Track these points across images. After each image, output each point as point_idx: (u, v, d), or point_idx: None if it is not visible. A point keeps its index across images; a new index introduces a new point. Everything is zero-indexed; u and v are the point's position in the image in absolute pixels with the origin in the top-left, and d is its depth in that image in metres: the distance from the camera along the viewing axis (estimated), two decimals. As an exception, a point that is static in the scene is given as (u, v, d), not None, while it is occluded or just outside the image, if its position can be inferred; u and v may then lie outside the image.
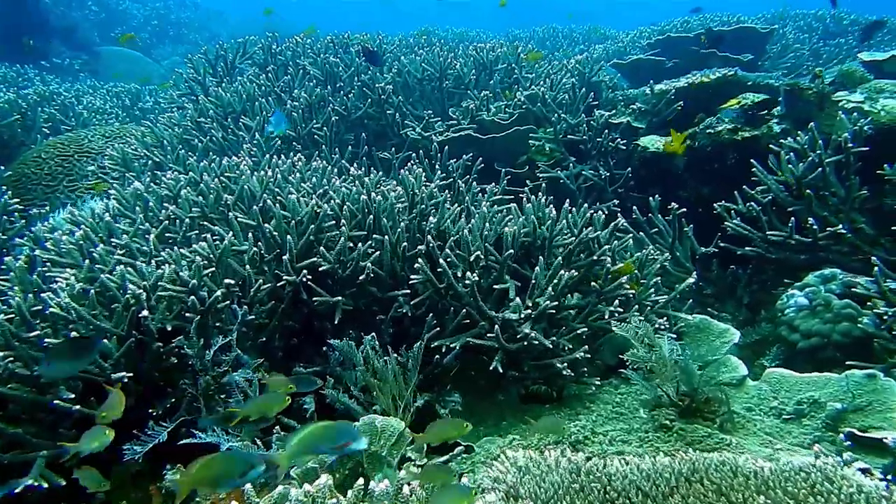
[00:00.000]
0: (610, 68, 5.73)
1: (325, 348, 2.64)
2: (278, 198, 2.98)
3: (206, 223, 2.87)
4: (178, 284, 2.34)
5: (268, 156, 3.46)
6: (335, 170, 3.68)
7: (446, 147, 4.04)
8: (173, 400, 2.29)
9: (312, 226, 2.72)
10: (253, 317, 2.50)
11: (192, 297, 2.31)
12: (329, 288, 2.74)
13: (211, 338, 2.36)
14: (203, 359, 2.31)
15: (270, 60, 5.35)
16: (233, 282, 2.45)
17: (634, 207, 3.51)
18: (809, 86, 3.48)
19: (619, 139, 4.21)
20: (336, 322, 2.61)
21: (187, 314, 2.32)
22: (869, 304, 2.48)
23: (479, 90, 4.78)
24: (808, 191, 3.00)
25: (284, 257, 2.55)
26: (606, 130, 4.22)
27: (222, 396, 2.32)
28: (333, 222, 2.83)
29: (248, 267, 2.50)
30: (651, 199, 3.51)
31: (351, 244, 2.71)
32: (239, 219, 2.75)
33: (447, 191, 3.31)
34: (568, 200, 3.08)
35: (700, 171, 3.81)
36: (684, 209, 3.36)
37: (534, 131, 4.41)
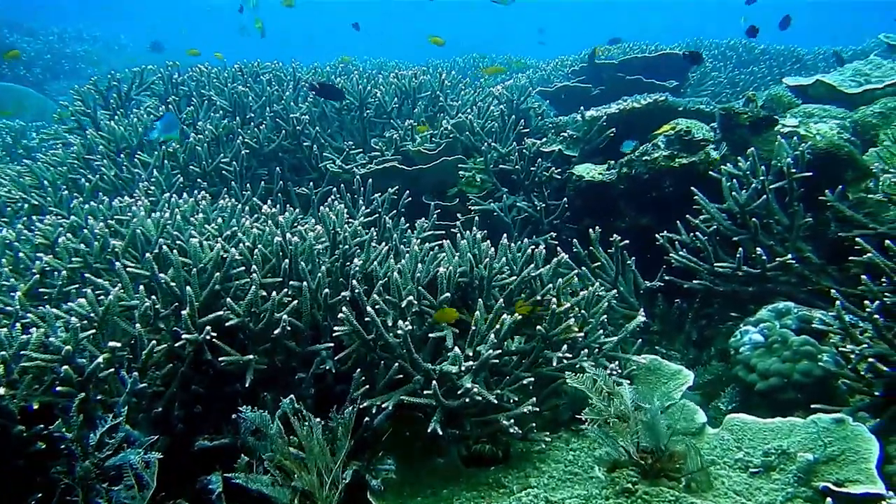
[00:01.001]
0: (536, 96, 5.66)
1: (235, 415, 2.31)
2: (178, 242, 2.65)
3: (90, 275, 2.49)
4: (47, 351, 1.97)
5: (167, 195, 3.11)
6: (246, 208, 3.37)
7: (370, 180, 3.80)
8: (40, 495, 1.90)
9: (217, 273, 2.40)
10: (146, 384, 2.14)
11: (66, 366, 1.95)
12: (240, 344, 2.42)
13: (93, 414, 2.00)
14: (82, 441, 1.94)
15: (172, 91, 4.99)
16: (119, 344, 2.09)
17: (575, 241, 3.35)
18: (744, 110, 3.45)
19: (552, 168, 4.08)
20: (247, 384, 2.28)
21: (60, 387, 1.95)
22: (832, 340, 2.37)
23: (403, 119, 4.58)
24: (753, 219, 2.92)
25: (183, 312, 2.22)
26: (539, 159, 4.09)
27: (105, 485, 1.95)
28: (243, 268, 2.52)
29: (138, 325, 2.15)
30: (591, 231, 3.37)
31: (264, 293, 2.40)
32: (129, 268, 2.39)
33: (372, 228, 3.05)
34: (505, 235, 2.88)
35: (638, 200, 3.71)
36: (626, 241, 3.22)
37: (463, 161, 4.23)
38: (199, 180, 3.86)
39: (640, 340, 2.93)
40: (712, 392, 2.85)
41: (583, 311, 2.79)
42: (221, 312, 2.30)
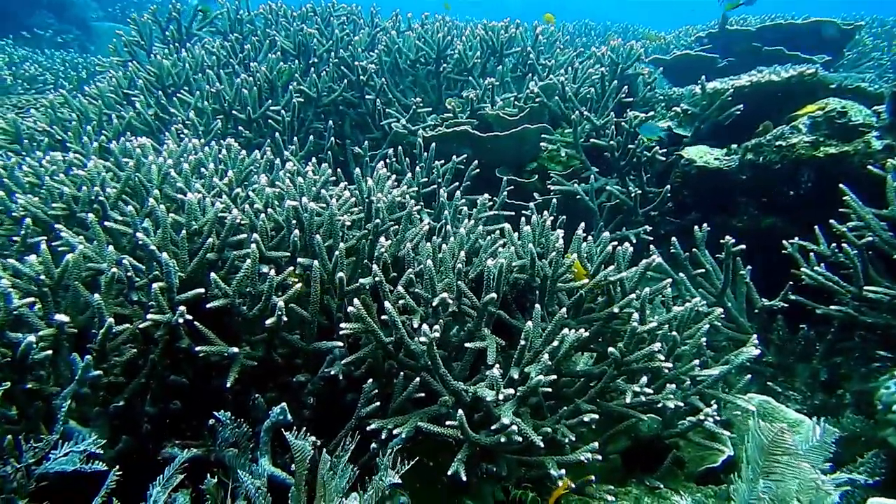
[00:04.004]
0: (649, 64, 4.97)
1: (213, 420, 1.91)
2: (179, 195, 2.26)
3: (60, 226, 2.14)
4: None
5: (186, 140, 2.74)
6: (288, 165, 2.96)
7: (433, 145, 3.29)
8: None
9: (211, 240, 1.99)
10: (100, 372, 1.75)
11: (-10, 341, 1.58)
12: (232, 330, 2.01)
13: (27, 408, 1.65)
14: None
15: (237, 27, 4.65)
16: (67, 318, 1.71)
17: (674, 239, 2.75)
18: (925, 89, 2.71)
19: (656, 148, 3.45)
20: (228, 384, 1.86)
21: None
22: None
23: (485, 77, 4.05)
24: (925, 234, 2.23)
25: (155, 285, 1.81)
26: (641, 136, 3.46)
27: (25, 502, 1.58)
28: (245, 236, 2.10)
29: (97, 296, 1.76)
30: (697, 228, 2.75)
31: (266, 269, 1.97)
32: (108, 223, 2.02)
33: (420, 203, 2.57)
34: (583, 224, 2.33)
35: (763, 195, 3.05)
36: (742, 245, 2.59)
37: (548, 132, 3.66)
38: (241, 129, 3.49)
39: (749, 376, 2.32)
40: (845, 455, 2.20)
41: (674, 333, 2.21)
42: (202, 290, 1.88)
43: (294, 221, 2.13)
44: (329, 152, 3.47)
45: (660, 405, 2.04)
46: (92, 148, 2.62)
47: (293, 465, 1.83)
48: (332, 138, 3.54)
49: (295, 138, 3.47)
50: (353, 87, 3.95)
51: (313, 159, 3.18)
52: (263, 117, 3.60)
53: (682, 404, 2.04)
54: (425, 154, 3.29)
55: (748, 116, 3.51)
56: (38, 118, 3.33)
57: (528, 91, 3.85)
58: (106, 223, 2.03)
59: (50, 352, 1.66)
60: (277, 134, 3.39)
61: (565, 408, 2.07)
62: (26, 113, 3.75)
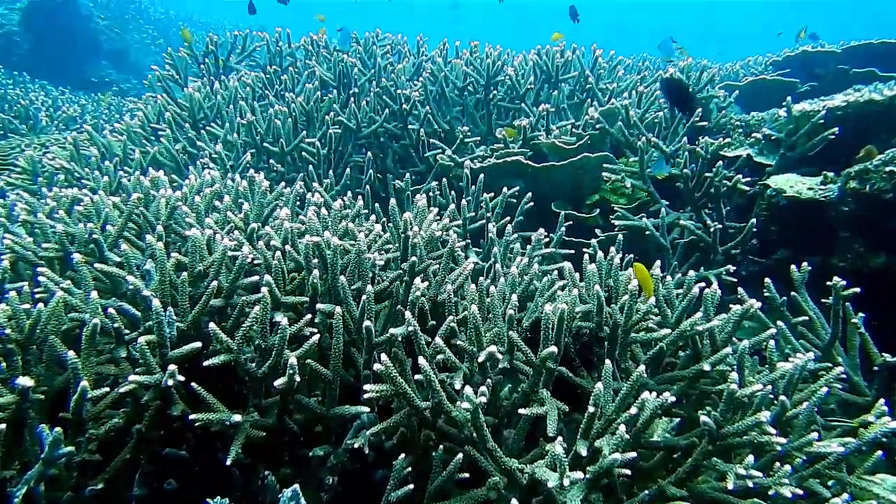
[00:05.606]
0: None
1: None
2: (187, 232, 1.98)
3: (43, 269, 1.88)
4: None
5: (206, 172, 2.48)
6: (316, 198, 2.68)
7: (482, 176, 2.97)
8: None
9: (216, 283, 1.69)
10: (72, 448, 1.44)
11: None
12: (237, 393, 1.69)
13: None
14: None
15: (277, 60, 4.46)
16: (32, 383, 1.41)
17: (768, 281, 2.34)
18: None
19: (738, 177, 3.04)
20: (229, 461, 1.53)
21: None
22: None
23: (539, 105, 3.72)
24: None
25: (142, 339, 1.50)
26: (720, 162, 3.06)
27: None
28: (256, 278, 1.80)
29: (72, 354, 1.47)
30: (794, 268, 2.34)
31: (280, 318, 1.65)
32: (100, 265, 1.74)
33: (466, 240, 2.23)
34: (658, 262, 1.95)
35: (872, 230, 2.61)
36: (856, 289, 2.17)
37: (611, 161, 3.30)
38: (272, 162, 3.24)
39: (881, 452, 1.87)
40: None
41: (783, 397, 1.79)
42: (198, 344, 1.57)
43: (315, 260, 1.81)
44: (368, 187, 3.18)
45: (771, 491, 1.62)
46: (102, 183, 2.38)
47: (305, 566, 1.48)
48: (372, 171, 3.24)
49: (331, 172, 3.19)
50: (395, 118, 3.69)
51: (349, 194, 2.90)
52: (298, 150, 3.34)
53: (800, 491, 1.61)
54: (473, 187, 2.97)
55: (840, 143, 3.09)
56: (57, 154, 3.15)
57: (586, 117, 3.51)
58: (97, 265, 1.75)
59: (3, 426, 1.36)
60: (311, 167, 3.12)
61: (646, 491, 1.67)
62: (49, 150, 3.60)
